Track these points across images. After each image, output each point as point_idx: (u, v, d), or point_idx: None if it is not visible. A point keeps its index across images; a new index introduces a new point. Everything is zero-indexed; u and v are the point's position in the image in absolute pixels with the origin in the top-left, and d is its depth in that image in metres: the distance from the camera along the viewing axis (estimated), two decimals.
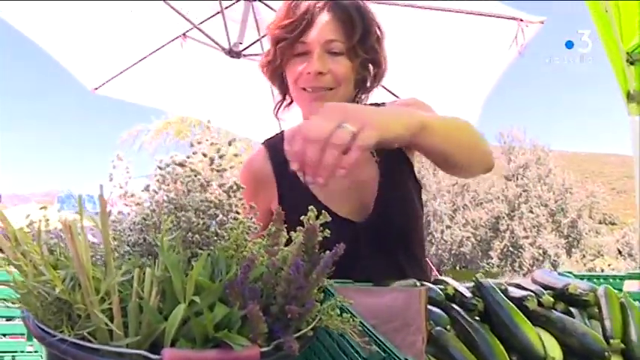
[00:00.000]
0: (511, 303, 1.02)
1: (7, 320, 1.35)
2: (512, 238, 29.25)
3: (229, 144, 0.77)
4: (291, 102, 1.47)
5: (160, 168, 0.75)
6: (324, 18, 1.28)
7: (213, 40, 3.54)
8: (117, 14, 3.68)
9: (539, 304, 1.07)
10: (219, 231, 0.73)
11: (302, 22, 1.26)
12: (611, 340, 1.04)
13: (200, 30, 3.55)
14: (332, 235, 0.81)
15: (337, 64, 1.29)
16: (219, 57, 3.68)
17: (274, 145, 1.46)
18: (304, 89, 1.30)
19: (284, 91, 1.43)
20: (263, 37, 3.62)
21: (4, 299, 0.68)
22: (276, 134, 1.51)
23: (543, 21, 3.02)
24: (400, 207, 1.37)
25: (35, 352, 1.50)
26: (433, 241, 28.39)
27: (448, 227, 28.38)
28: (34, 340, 1.32)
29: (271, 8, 3.64)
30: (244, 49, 3.53)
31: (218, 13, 3.56)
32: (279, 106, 1.46)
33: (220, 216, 0.75)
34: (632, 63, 3.30)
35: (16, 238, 0.60)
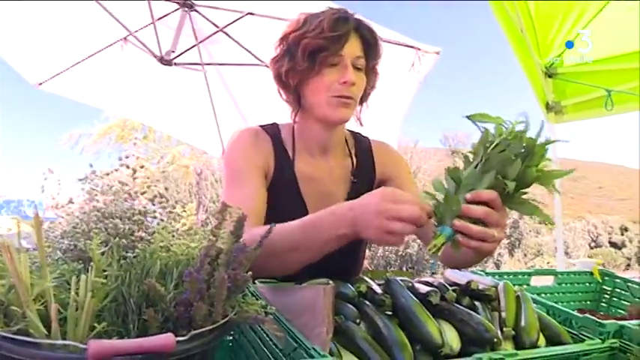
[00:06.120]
0: (415, 298, 1.13)
1: None
2: None
3: (141, 167, 0.85)
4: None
5: (89, 180, 0.83)
6: (355, 36, 1.45)
7: (146, 47, 3.58)
8: (62, 14, 3.68)
9: (443, 298, 1.19)
10: (143, 235, 0.82)
11: (344, 37, 1.41)
12: (505, 329, 1.18)
13: (134, 36, 3.58)
14: None
15: (359, 79, 1.46)
16: (156, 63, 3.72)
17: (274, 134, 1.57)
18: (333, 96, 1.43)
19: (297, 98, 1.51)
20: (198, 43, 3.69)
21: None
22: (270, 124, 1.61)
23: (439, 52, 3.30)
24: None
25: None
26: None
27: None
28: None
29: (207, 19, 3.72)
30: (176, 57, 3.59)
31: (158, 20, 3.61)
32: (297, 109, 1.54)
33: (145, 222, 0.83)
34: (549, 76, 3.56)
35: None
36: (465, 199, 1.03)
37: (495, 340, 1.08)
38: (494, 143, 1.00)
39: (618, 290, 2.02)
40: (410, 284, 1.22)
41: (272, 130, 1.58)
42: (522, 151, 1.02)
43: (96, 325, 0.69)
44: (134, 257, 0.80)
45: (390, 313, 1.14)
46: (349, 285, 1.17)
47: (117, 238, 0.80)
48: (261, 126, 1.60)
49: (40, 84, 4.12)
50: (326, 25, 1.40)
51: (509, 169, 1.00)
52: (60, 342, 0.65)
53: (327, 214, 1.17)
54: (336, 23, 1.41)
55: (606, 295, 2.05)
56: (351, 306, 1.10)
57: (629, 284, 1.97)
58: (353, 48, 1.44)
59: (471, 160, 1.06)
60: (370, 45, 1.48)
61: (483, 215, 1.02)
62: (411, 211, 1.03)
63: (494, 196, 1.01)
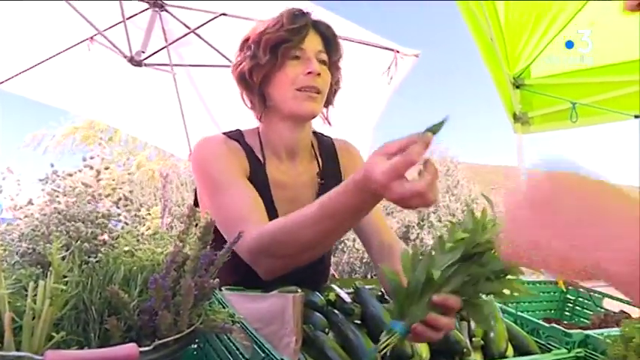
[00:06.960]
0: (384, 307, 1.12)
1: None
2: (422, 246, 30.20)
3: (106, 169, 0.82)
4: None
5: (51, 180, 0.79)
6: (314, 32, 1.47)
7: (115, 47, 3.50)
8: (24, 10, 3.56)
9: None
10: (107, 239, 0.78)
11: (304, 29, 1.43)
12: (474, 339, 1.18)
13: (104, 36, 3.49)
14: None
15: (324, 72, 1.46)
16: (124, 63, 3.64)
17: (242, 140, 1.54)
18: (299, 89, 1.42)
19: (262, 99, 1.50)
20: (169, 44, 3.62)
21: None
22: (234, 131, 1.58)
23: (418, 54, 3.29)
24: None
25: None
26: (345, 249, 28.76)
27: None
28: None
29: (178, 19, 3.66)
30: (146, 57, 3.51)
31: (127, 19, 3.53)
32: (262, 111, 1.51)
33: (109, 225, 0.80)
34: (517, 87, 3.63)
35: None
36: (432, 299, 0.89)
37: (465, 350, 1.07)
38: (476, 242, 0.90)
39: (581, 299, 2.05)
40: (379, 293, 1.21)
41: (238, 137, 1.55)
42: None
43: (54, 334, 0.65)
44: (96, 262, 0.77)
45: (359, 322, 1.13)
46: (317, 293, 1.15)
47: (79, 242, 0.77)
48: (224, 133, 1.56)
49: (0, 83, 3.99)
50: (285, 19, 1.43)
51: (482, 284, 0.91)
52: (13, 353, 0.61)
53: (336, 194, 1.08)
54: (295, 17, 1.44)
55: (570, 304, 2.08)
56: (319, 315, 1.09)
57: (592, 294, 2.00)
58: (314, 43, 1.46)
59: (445, 241, 0.93)
60: (329, 40, 1.50)
61: (448, 328, 0.94)
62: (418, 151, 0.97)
63: (459, 305, 0.92)
